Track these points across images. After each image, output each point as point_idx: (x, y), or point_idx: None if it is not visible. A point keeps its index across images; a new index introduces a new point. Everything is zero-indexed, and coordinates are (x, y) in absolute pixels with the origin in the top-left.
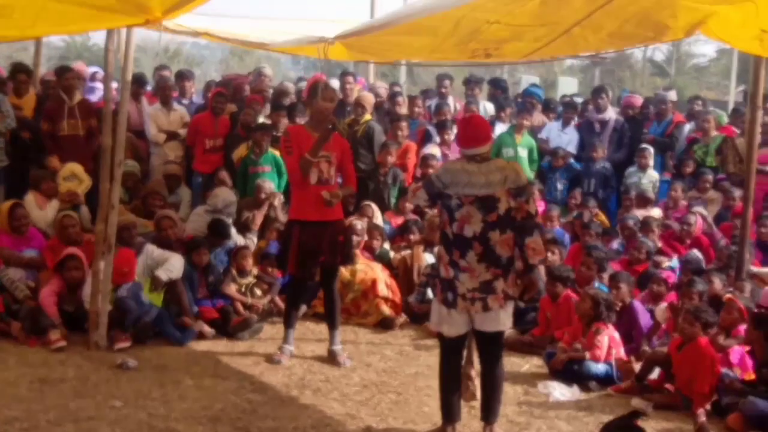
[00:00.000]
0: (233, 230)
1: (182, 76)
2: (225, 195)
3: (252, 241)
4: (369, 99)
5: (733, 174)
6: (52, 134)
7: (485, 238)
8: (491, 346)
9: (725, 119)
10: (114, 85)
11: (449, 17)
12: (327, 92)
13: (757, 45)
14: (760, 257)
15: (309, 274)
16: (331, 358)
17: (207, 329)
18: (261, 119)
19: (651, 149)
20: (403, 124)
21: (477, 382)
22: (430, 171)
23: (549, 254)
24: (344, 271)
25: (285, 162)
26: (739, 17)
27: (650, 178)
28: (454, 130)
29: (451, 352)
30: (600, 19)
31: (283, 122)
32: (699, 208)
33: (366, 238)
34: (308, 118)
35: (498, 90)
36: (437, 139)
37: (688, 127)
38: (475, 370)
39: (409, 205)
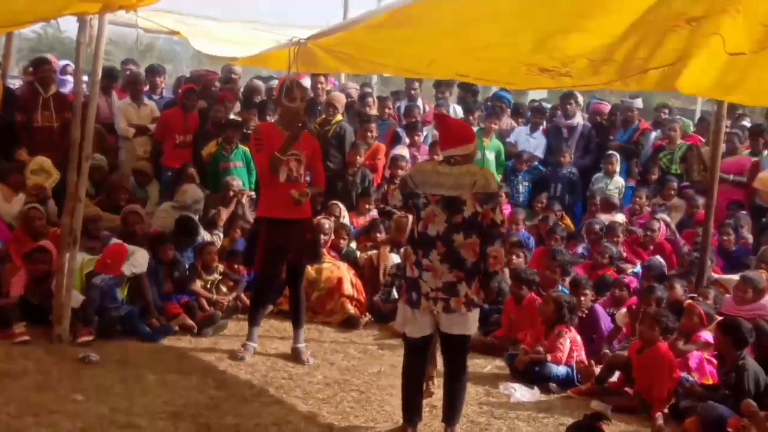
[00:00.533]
0: (200, 227)
1: (153, 71)
2: (193, 192)
3: (218, 237)
4: (341, 99)
5: (697, 182)
6: (26, 126)
7: (449, 239)
8: (456, 349)
9: (691, 128)
10: (85, 78)
11: (424, 57)
12: (297, 91)
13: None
14: (722, 264)
15: (276, 272)
16: (295, 356)
17: (189, 322)
18: (231, 116)
19: (617, 156)
20: (372, 125)
21: (436, 381)
22: (400, 172)
23: (514, 257)
24: (310, 270)
25: (254, 159)
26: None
27: (616, 184)
28: (424, 132)
29: (414, 353)
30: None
31: (254, 120)
32: (662, 215)
33: (333, 237)
34: (278, 117)
35: (468, 93)
36: (406, 140)
37: (654, 135)
38: (437, 370)
39: (368, 207)
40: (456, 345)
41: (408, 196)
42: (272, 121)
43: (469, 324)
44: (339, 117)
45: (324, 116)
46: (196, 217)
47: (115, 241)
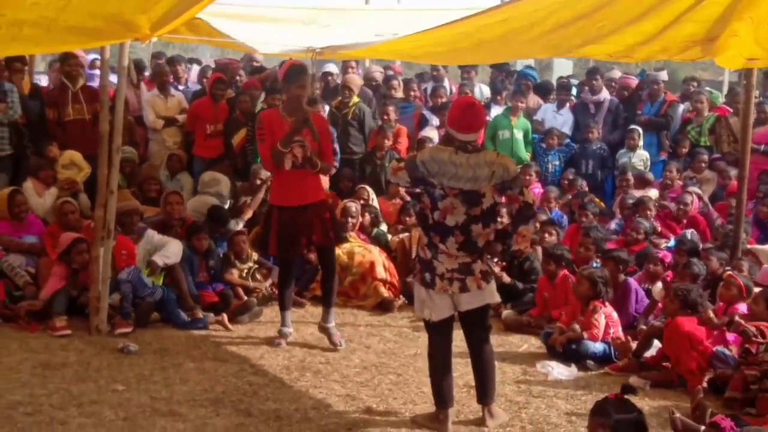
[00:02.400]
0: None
1: (174, 62)
2: (211, 173)
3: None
4: (356, 81)
5: (727, 153)
6: (59, 121)
7: (467, 229)
8: (478, 324)
9: (720, 99)
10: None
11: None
12: (305, 78)
13: None
14: (757, 235)
15: (291, 255)
16: (325, 336)
17: (228, 325)
18: (258, 104)
19: (639, 130)
20: (390, 108)
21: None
22: None
23: (546, 236)
24: (342, 255)
25: (258, 149)
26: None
27: (640, 157)
28: None
29: (439, 336)
30: None
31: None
32: (694, 188)
33: (361, 219)
34: (284, 102)
35: (501, 72)
36: (435, 122)
37: (682, 107)
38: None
39: (401, 190)
40: (476, 318)
41: (419, 180)
42: (277, 106)
43: (487, 295)
44: (356, 99)
45: (340, 99)
46: (226, 206)
47: (152, 231)
